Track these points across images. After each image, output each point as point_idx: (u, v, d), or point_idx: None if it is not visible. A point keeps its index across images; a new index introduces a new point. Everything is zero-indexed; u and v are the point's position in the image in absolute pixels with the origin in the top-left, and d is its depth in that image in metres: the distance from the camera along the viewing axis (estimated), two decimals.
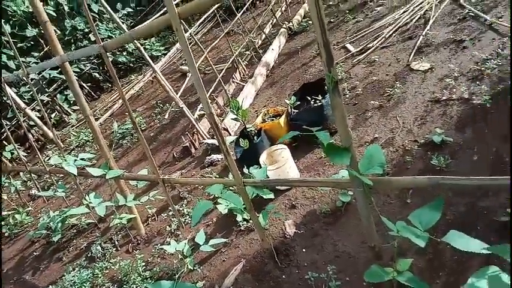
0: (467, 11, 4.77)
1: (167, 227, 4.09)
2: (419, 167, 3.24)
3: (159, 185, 3.61)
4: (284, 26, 7.10)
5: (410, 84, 4.24)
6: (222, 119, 5.38)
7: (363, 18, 6.18)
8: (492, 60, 3.84)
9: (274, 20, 7.77)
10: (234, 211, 3.64)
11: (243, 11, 6.96)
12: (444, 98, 3.78)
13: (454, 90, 3.79)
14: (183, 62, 8.80)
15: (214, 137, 3.69)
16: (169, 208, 4.28)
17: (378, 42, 5.25)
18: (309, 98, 4.11)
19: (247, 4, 7.47)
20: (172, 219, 4.13)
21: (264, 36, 7.40)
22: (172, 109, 6.73)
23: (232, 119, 4.43)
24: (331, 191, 3.51)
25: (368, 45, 5.31)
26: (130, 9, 11.17)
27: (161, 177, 3.48)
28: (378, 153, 2.06)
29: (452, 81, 3.91)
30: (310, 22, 7.08)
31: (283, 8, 8.24)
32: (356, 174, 1.98)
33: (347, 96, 4.67)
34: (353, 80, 4.89)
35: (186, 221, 4.07)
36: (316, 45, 6.28)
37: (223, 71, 5.88)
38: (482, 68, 3.80)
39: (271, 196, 3.55)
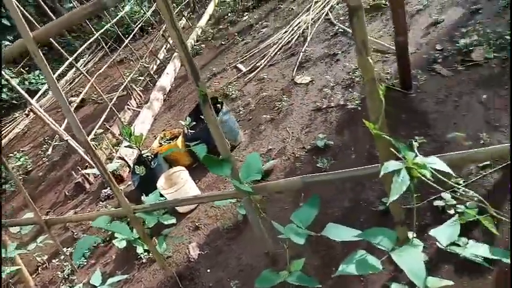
0: (337, 27, 5.35)
1: (60, 273, 3.66)
2: (308, 171, 3.45)
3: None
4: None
5: (295, 96, 4.55)
6: (117, 148, 5.10)
7: (250, 39, 6.52)
8: (360, 69, 4.33)
9: (168, 45, 7.75)
10: (133, 244, 3.42)
11: (130, 37, 6.79)
12: (324, 106, 4.13)
13: (332, 98, 4.17)
14: (73, 94, 8.21)
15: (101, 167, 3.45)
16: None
17: (265, 60, 5.56)
18: (202, 118, 4.12)
19: (135, 30, 7.32)
20: (65, 263, 3.71)
21: (158, 61, 7.31)
22: (60, 144, 6.17)
23: (126, 146, 4.23)
24: (232, 206, 3.53)
25: (257, 64, 5.60)
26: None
27: (43, 219, 3.11)
28: (256, 161, 2.13)
29: (329, 90, 4.31)
30: (203, 45, 7.24)
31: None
32: (235, 184, 2.02)
33: (241, 112, 4.82)
34: (246, 97, 5.07)
35: (82, 263, 3.70)
36: (211, 66, 6.41)
37: (115, 98, 5.62)
38: (353, 77, 4.26)
39: (173, 221, 3.43)
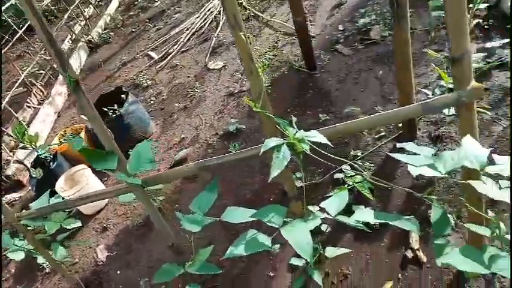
0: (248, 11, 5.30)
1: None
2: None
3: None
4: (83, 39, 6.56)
5: (208, 82, 4.43)
6: (15, 151, 4.55)
7: (163, 25, 6.22)
8: (269, 53, 4.34)
9: (74, 35, 7.10)
10: (31, 254, 3.09)
11: (25, 27, 6.07)
12: (237, 90, 4.07)
13: (244, 83, 4.12)
14: None
15: None
16: None
17: (178, 47, 5.34)
18: (106, 110, 3.82)
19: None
20: None
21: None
22: None
23: (21, 148, 3.78)
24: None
25: (169, 51, 5.35)
26: None
27: None
28: (146, 151, 1.98)
29: (241, 75, 4.26)
30: (112, 34, 6.74)
31: (83, 22, 7.62)
32: (121, 177, 1.86)
33: (153, 102, 4.58)
34: (158, 86, 4.83)
35: None
36: (121, 55, 6.00)
37: (8, 97, 4.99)
38: (264, 60, 4.25)
39: (78, 224, 3.15)
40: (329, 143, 1.57)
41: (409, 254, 2.13)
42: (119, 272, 2.85)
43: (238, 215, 1.87)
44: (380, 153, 2.78)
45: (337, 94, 3.42)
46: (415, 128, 2.73)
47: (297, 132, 1.62)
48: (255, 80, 1.76)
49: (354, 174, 2.66)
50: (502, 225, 1.79)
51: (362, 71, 3.53)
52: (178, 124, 4.07)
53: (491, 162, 1.48)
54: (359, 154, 2.79)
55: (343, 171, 2.67)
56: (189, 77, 4.71)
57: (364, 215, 1.64)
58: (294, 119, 1.65)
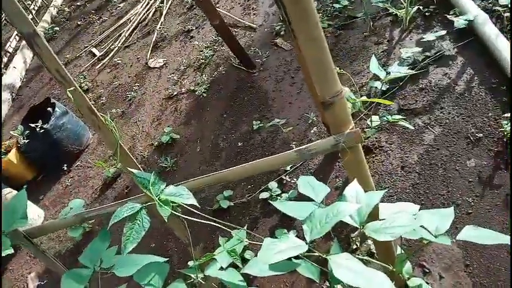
0: None
1: None
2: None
3: None
4: None
5: (148, 83, 4.16)
6: None
7: (108, 16, 5.81)
8: (210, 48, 4.04)
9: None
10: None
11: None
12: (175, 93, 3.82)
13: (183, 83, 3.86)
14: None
15: None
16: None
17: (120, 42, 4.99)
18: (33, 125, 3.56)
19: None
20: None
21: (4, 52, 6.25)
22: None
23: None
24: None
25: (111, 47, 5.01)
26: None
27: None
28: (21, 203, 1.78)
29: (181, 74, 3.99)
30: (57, 28, 6.30)
31: (30, 17, 7.12)
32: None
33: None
34: (99, 88, 4.54)
35: None
36: (66, 52, 5.63)
37: None
38: (204, 57, 3.97)
39: (10, 251, 2.99)
40: (197, 204, 1.38)
41: None
42: None
43: (130, 269, 1.72)
44: (310, 167, 2.61)
45: (274, 96, 3.19)
46: None
47: (162, 190, 1.42)
48: (105, 135, 1.55)
49: (281, 191, 2.51)
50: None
51: (300, 69, 3.28)
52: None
53: None
54: (288, 168, 2.62)
55: (269, 189, 2.51)
56: (129, 76, 4.42)
57: (259, 265, 1.49)
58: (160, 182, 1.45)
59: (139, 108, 3.93)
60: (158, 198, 1.40)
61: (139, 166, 1.68)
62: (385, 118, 2.20)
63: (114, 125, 1.50)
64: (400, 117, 2.18)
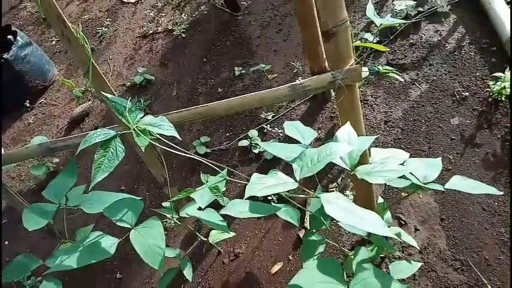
0: None
1: None
2: None
3: None
4: None
5: (121, 20, 3.83)
6: None
7: None
8: None
9: None
10: None
11: None
12: (151, 32, 3.54)
13: (160, 21, 3.58)
14: None
15: None
16: None
17: None
18: None
19: None
20: None
21: None
22: None
23: None
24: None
25: None
26: None
27: None
28: None
29: (158, 12, 3.68)
30: None
31: None
32: None
33: (57, 42, 3.94)
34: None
35: None
36: None
37: None
38: None
39: None
40: (178, 136, 1.27)
41: (302, 234, 1.99)
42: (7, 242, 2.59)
43: (99, 205, 1.61)
44: (293, 116, 2.52)
45: (258, 43, 3.02)
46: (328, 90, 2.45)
47: (140, 119, 1.29)
48: (75, 50, 1.37)
49: (260, 140, 2.43)
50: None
51: (287, 15, 3.10)
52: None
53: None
54: (270, 118, 2.52)
55: (249, 137, 2.42)
56: (101, 11, 4.05)
57: (238, 207, 1.42)
58: (145, 103, 1.31)
59: (111, 45, 3.63)
60: (137, 127, 1.27)
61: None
62: (375, 68, 2.12)
63: (86, 39, 1.32)
64: (391, 68, 2.11)
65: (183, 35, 3.31)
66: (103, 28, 3.77)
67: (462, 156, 1.98)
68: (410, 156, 2.07)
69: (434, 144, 2.08)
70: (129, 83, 3.18)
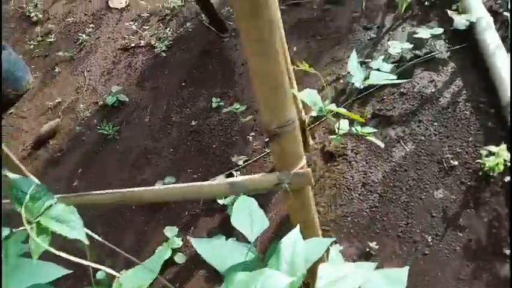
0: None
1: None
2: (93, 138, 2.80)
3: None
4: None
5: (105, 26, 3.61)
6: None
7: None
8: None
9: None
10: None
11: None
12: (133, 44, 3.32)
13: (143, 34, 3.35)
14: None
15: None
16: None
17: None
18: None
19: None
20: None
21: None
22: None
23: None
24: None
25: None
26: None
27: None
28: None
29: (142, 23, 3.46)
30: None
31: None
32: None
33: (37, 46, 3.74)
34: (49, 22, 3.92)
35: None
36: None
37: None
38: (171, 6, 3.42)
39: None
40: (85, 241, 1.07)
41: None
42: None
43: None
44: (266, 163, 2.31)
45: (242, 71, 2.79)
46: (305, 137, 2.22)
47: (45, 209, 1.09)
48: None
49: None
50: None
51: None
52: (59, 80, 3.35)
53: None
54: (241, 163, 2.31)
55: None
56: (86, 14, 3.82)
57: None
58: None
59: (90, 55, 3.42)
60: (37, 222, 1.07)
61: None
62: (354, 129, 1.89)
63: None
64: (370, 130, 1.88)
65: (164, 54, 3.08)
66: (84, 35, 3.55)
67: (442, 240, 1.77)
68: (384, 231, 1.89)
69: (413, 219, 1.87)
70: (101, 102, 2.98)
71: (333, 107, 1.69)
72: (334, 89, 2.46)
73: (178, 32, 3.24)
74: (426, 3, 2.61)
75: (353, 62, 1.87)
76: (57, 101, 3.16)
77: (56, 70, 3.41)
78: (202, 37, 3.12)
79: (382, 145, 1.86)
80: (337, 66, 2.56)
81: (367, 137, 1.83)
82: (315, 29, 2.81)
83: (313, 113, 2.22)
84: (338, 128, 1.97)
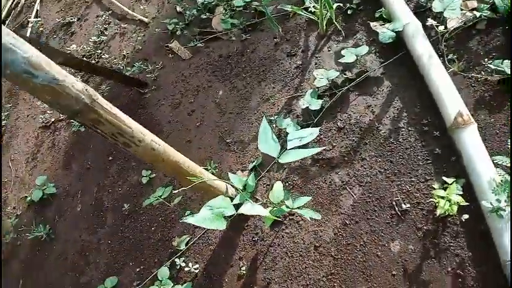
0: None
1: None
2: (29, 242, 2.53)
3: None
4: None
5: (22, 104, 3.31)
6: None
7: None
8: (92, 52, 3.18)
9: None
10: None
11: None
12: (53, 120, 3.02)
13: None
14: None
15: None
16: None
17: None
18: None
19: None
20: None
21: None
22: None
23: None
24: None
25: None
26: None
27: None
28: None
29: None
30: None
31: None
32: None
33: None
34: None
35: None
36: None
37: None
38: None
39: None
40: None
41: None
42: None
43: None
44: (211, 239, 2.07)
45: (170, 130, 2.52)
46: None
47: None
48: None
49: (172, 285, 1.99)
50: None
51: (200, 89, 2.60)
52: None
53: None
54: (183, 247, 2.07)
55: (159, 281, 1.98)
56: (7, 92, 3.50)
57: None
58: None
59: (12, 140, 3.12)
60: None
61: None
62: (283, 208, 1.65)
63: None
64: (303, 202, 1.64)
65: (77, 130, 2.80)
66: (3, 119, 3.24)
67: None
68: None
69: (373, 282, 1.65)
70: (29, 198, 2.69)
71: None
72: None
73: (98, 91, 2.94)
74: (349, 12, 2.36)
75: (263, 139, 1.58)
76: None
77: None
78: (122, 97, 2.84)
79: (319, 217, 1.62)
80: (266, 107, 2.31)
81: (301, 213, 1.59)
82: (238, 65, 2.55)
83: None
84: (270, 210, 1.71)
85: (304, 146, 1.68)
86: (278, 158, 1.48)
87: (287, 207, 1.62)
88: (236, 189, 1.76)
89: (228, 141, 2.30)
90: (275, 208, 1.69)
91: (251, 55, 2.55)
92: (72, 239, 2.41)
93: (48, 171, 2.76)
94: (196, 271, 1.98)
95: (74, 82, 1.11)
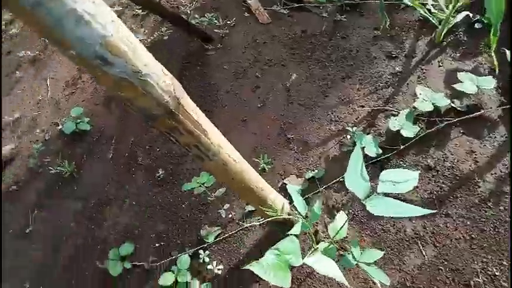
0: None
1: None
2: (51, 174, 2.36)
3: None
4: None
5: None
6: None
7: None
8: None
9: None
10: None
11: None
12: None
13: None
14: None
15: None
16: None
17: None
18: None
19: None
20: None
21: None
22: None
23: None
24: None
25: None
26: None
27: None
28: None
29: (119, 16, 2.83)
30: None
31: None
32: None
33: None
34: None
35: None
36: None
37: None
38: None
39: None
40: None
41: None
42: None
43: None
44: (244, 239, 1.84)
45: (225, 102, 2.21)
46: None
47: None
48: None
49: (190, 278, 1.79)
50: None
51: (272, 64, 2.24)
52: (20, 89, 2.85)
53: None
54: (211, 239, 1.85)
55: (177, 268, 1.79)
56: None
57: None
58: None
59: (55, 55, 2.87)
60: None
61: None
62: (349, 259, 1.37)
63: None
64: (373, 258, 1.36)
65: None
66: None
67: None
68: None
69: None
70: (60, 126, 2.49)
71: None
72: (339, 147, 1.88)
73: (153, 35, 2.63)
74: (476, 26, 1.90)
75: (351, 178, 1.24)
76: (16, 116, 2.70)
77: (17, 74, 2.90)
78: (181, 46, 2.51)
79: (388, 282, 1.34)
80: (346, 109, 1.95)
81: (367, 271, 1.31)
82: (322, 49, 2.16)
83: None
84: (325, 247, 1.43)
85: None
86: (364, 201, 1.17)
87: (354, 257, 1.34)
88: (296, 210, 1.48)
89: (289, 136, 1.99)
90: (332, 247, 1.42)
91: (341, 42, 2.15)
92: (96, 186, 2.23)
93: (86, 104, 2.53)
94: (219, 272, 1.77)
95: (160, 77, 0.80)
